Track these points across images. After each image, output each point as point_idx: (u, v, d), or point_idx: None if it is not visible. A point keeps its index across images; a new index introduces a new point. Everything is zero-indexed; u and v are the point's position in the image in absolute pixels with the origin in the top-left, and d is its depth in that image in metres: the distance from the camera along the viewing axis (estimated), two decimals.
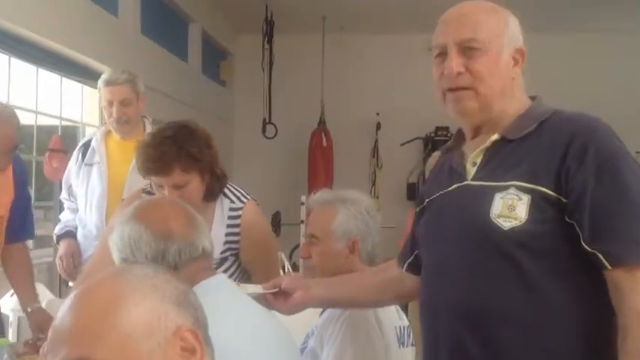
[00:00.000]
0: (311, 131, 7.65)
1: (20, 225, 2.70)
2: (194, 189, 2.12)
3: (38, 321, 2.56)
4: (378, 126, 8.00)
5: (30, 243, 3.33)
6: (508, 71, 1.42)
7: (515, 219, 1.31)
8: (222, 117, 7.49)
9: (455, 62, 1.39)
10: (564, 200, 1.30)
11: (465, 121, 1.49)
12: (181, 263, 1.45)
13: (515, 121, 1.41)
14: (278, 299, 1.71)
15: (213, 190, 2.22)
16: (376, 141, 8.06)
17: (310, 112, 7.61)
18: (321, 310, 1.99)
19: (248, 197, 2.31)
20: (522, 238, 1.31)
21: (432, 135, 7.66)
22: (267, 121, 7.24)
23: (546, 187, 1.31)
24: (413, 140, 7.82)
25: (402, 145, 7.78)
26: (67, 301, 0.95)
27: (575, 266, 1.31)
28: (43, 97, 4.47)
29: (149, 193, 2.31)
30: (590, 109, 1.43)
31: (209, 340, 1.00)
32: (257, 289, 1.72)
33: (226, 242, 2.25)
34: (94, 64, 4.60)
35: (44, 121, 4.61)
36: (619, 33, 7.49)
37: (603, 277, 1.28)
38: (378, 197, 7.96)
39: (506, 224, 1.31)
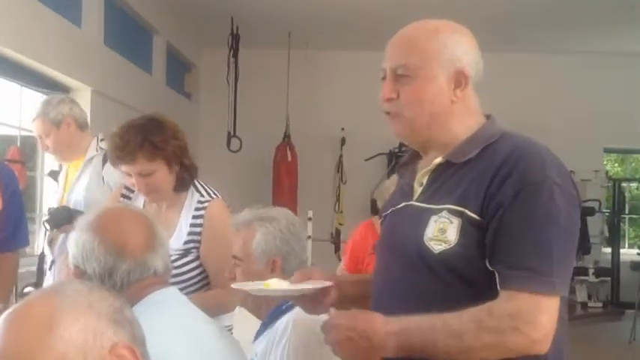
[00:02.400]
0: (276, 145, 7.65)
1: (12, 234, 2.71)
2: (161, 178, 2.22)
3: None
4: (343, 141, 8.03)
5: None
6: (443, 96, 1.42)
7: (445, 242, 1.33)
8: (186, 129, 7.34)
9: (387, 88, 1.43)
10: (484, 225, 1.32)
11: (406, 142, 1.53)
12: (128, 283, 1.43)
13: (459, 145, 1.42)
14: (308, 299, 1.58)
15: (184, 181, 2.30)
16: (341, 156, 8.10)
17: (275, 126, 7.61)
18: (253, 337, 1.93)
19: (218, 196, 2.39)
20: (452, 261, 1.32)
21: (396, 151, 7.73)
22: (232, 134, 7.23)
23: (472, 212, 1.33)
24: (377, 156, 7.87)
25: (366, 160, 7.83)
26: (0, 323, 0.93)
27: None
28: (2, 106, 4.38)
29: (128, 189, 2.42)
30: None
31: (147, 356, 0.99)
32: (284, 284, 1.54)
33: (190, 233, 2.30)
34: (56, 74, 4.54)
35: (3, 131, 4.52)
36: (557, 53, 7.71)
37: None
38: (342, 212, 7.98)
39: (436, 247, 1.34)
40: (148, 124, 2.21)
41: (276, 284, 1.52)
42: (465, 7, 5.60)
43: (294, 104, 7.67)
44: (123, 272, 1.43)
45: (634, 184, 9.79)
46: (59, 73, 4.52)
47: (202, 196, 2.35)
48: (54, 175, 3.39)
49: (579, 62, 7.96)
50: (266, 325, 1.89)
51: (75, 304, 0.94)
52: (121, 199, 2.45)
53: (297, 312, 1.80)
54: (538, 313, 1.25)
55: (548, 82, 7.95)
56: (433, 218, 1.36)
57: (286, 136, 7.65)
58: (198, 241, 2.30)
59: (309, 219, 5.97)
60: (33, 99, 4.67)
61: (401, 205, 1.49)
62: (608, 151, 8.95)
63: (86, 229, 1.46)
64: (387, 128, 1.48)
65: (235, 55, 7.13)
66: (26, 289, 3.29)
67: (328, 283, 1.49)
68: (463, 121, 1.45)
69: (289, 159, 7.63)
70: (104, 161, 3.04)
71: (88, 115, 4.87)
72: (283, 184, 7.57)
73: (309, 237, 6.00)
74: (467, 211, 1.33)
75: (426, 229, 1.36)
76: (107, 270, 1.42)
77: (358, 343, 1.29)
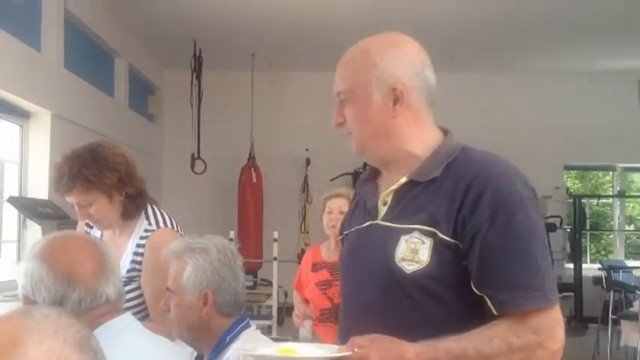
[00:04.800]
0: (240, 167, 7.63)
1: None
2: (101, 208, 2.22)
3: None
4: (308, 162, 8.05)
5: None
6: (383, 113, 1.42)
7: (418, 262, 1.33)
8: (150, 152, 7.38)
9: (335, 114, 1.51)
10: (461, 247, 1.32)
11: (366, 160, 1.56)
12: (80, 312, 1.39)
13: (423, 164, 1.42)
14: None
15: (129, 210, 2.28)
16: (306, 176, 8.11)
17: (240, 147, 7.60)
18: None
19: (167, 226, 2.32)
20: (424, 281, 1.33)
21: (361, 170, 7.77)
22: (196, 156, 7.19)
23: (445, 234, 1.33)
24: (342, 175, 7.90)
25: (331, 180, 7.84)
26: None
27: (476, 310, 1.31)
28: None
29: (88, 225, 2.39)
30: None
31: None
32: (305, 348, 1.37)
33: (132, 261, 2.27)
34: (15, 99, 4.47)
35: None
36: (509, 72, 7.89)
37: None
38: (308, 232, 7.97)
39: (409, 267, 1.33)
40: (84, 156, 2.19)
41: (297, 349, 1.34)
42: (422, 29, 5.68)
43: (258, 125, 7.67)
44: (74, 301, 1.39)
45: (594, 201, 9.99)
46: (18, 97, 4.45)
47: (150, 224, 2.30)
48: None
49: (539, 81, 8.13)
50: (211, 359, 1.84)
51: (41, 326, 0.93)
52: (85, 228, 2.43)
53: (241, 344, 1.78)
54: (554, 326, 1.29)
55: (508, 101, 8.10)
56: (404, 238, 1.36)
57: (251, 157, 7.64)
58: (140, 270, 2.27)
59: (275, 240, 5.94)
60: None
61: (366, 224, 1.48)
62: (568, 168, 9.13)
63: (34, 258, 1.42)
64: (352, 148, 1.50)
65: (198, 77, 7.12)
66: None
67: (345, 352, 1.27)
68: (418, 137, 1.44)
69: (254, 180, 7.61)
70: None
71: (49, 139, 4.82)
72: (249, 206, 7.54)
73: (275, 258, 5.98)
74: (438, 233, 1.33)
75: (397, 249, 1.35)
76: (57, 299, 1.38)
77: None
